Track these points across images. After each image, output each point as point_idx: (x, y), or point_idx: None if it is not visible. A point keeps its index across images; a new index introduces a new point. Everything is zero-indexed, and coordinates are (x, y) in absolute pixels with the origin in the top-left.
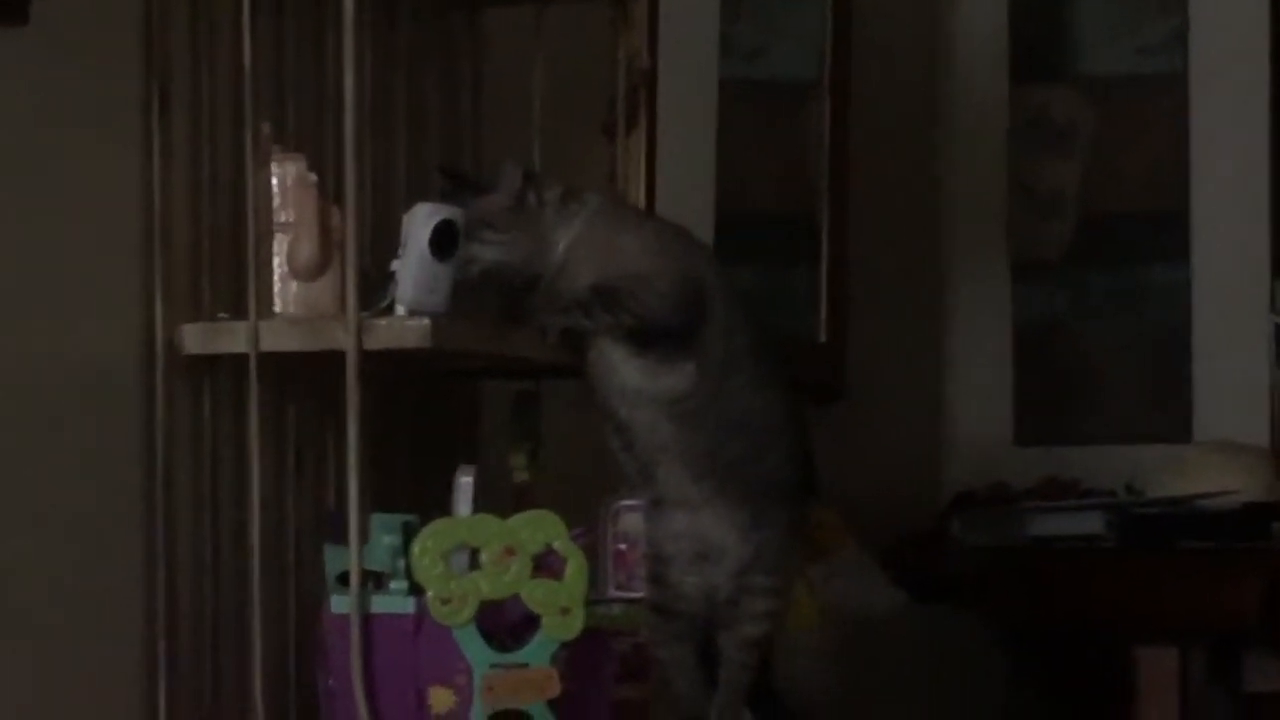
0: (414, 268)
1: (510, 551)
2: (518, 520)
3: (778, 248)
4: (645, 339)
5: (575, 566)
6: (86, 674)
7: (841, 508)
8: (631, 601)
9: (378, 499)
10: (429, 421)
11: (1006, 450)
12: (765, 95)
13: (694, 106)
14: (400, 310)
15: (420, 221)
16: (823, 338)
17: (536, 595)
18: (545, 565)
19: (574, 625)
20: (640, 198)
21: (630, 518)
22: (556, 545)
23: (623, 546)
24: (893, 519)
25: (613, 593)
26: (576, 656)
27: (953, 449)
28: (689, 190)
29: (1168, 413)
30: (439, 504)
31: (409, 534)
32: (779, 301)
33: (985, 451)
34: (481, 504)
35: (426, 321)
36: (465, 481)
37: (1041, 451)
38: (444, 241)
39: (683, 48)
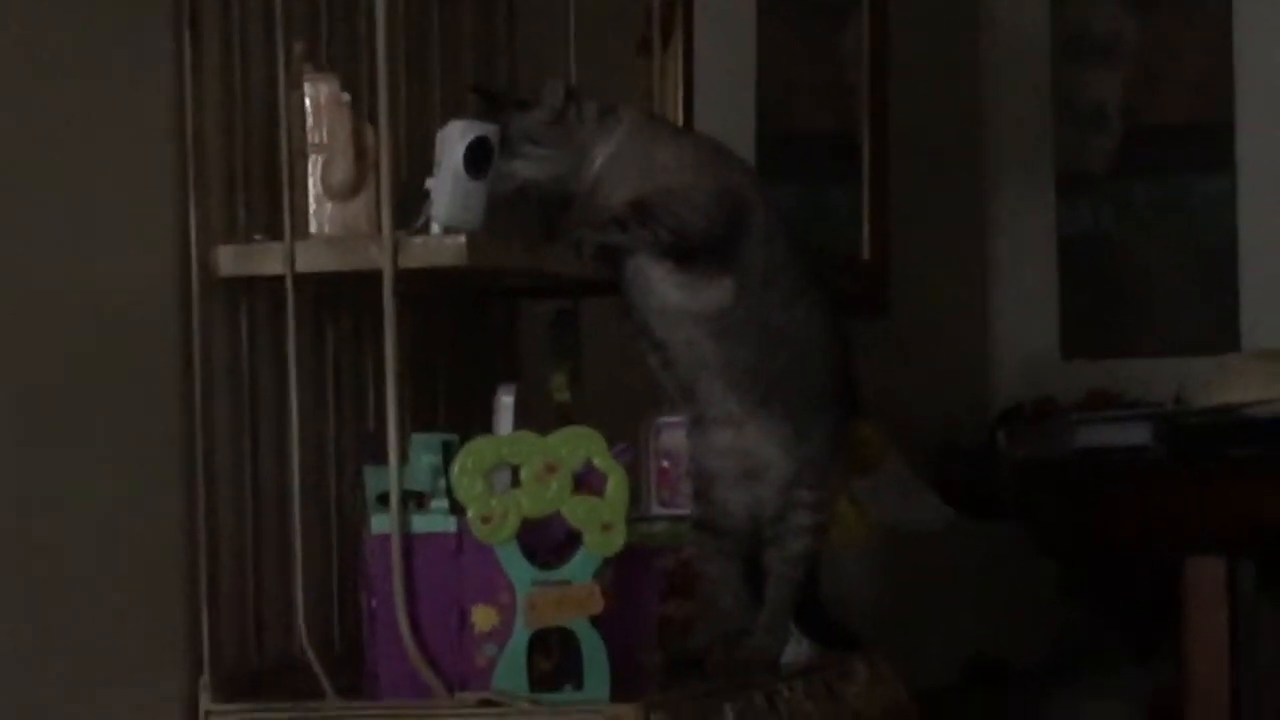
0: (448, 185)
1: (551, 469)
2: (557, 437)
3: (819, 165)
4: (683, 254)
5: (616, 482)
6: (128, 598)
7: (888, 423)
8: (675, 518)
9: (419, 420)
10: (469, 342)
11: (1054, 364)
12: (806, 12)
13: (733, 24)
14: (436, 229)
15: (454, 139)
16: (866, 254)
17: (578, 512)
18: (586, 482)
19: (616, 541)
20: (678, 115)
21: (672, 435)
22: (597, 462)
23: (665, 464)
24: (940, 433)
25: (656, 510)
26: (620, 574)
27: (999, 363)
28: (729, 108)
29: (1216, 323)
30: (481, 424)
31: (449, 454)
32: (822, 219)
33: (1032, 365)
34: (523, 423)
35: (462, 239)
36: (506, 401)
37: (1089, 364)
38: (478, 159)
39: None
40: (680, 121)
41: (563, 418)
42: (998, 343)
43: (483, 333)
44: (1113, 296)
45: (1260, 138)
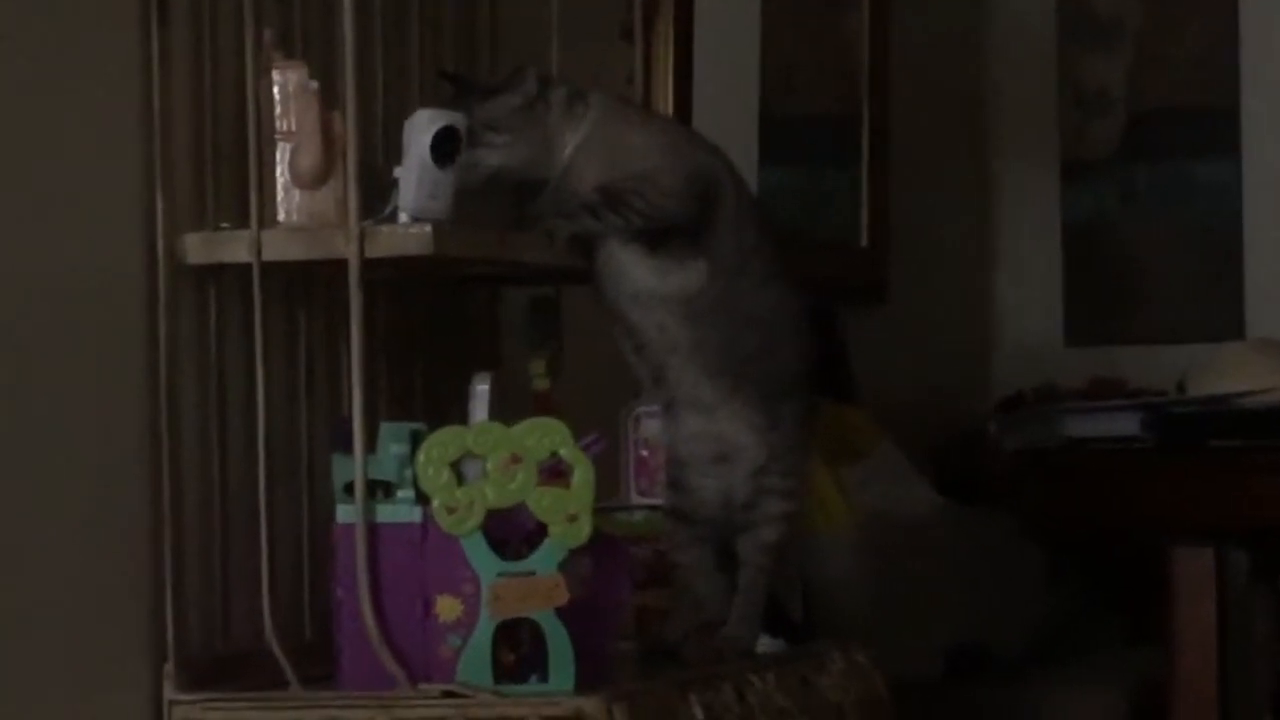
0: (415, 174)
1: (516, 460)
2: (523, 428)
3: (820, 149)
4: (655, 238)
5: (582, 474)
6: (93, 586)
7: (887, 411)
8: (654, 508)
9: (395, 408)
10: (447, 330)
11: (1057, 351)
12: None
13: (736, 7)
14: (403, 217)
15: (421, 128)
16: (864, 241)
17: (543, 503)
18: (555, 473)
19: (582, 533)
20: (667, 101)
21: (651, 423)
22: (563, 453)
23: (645, 453)
24: (941, 422)
25: (635, 499)
26: (593, 564)
27: (1002, 351)
28: (731, 92)
29: (1220, 310)
30: (458, 413)
31: (417, 443)
32: (821, 204)
33: (1035, 353)
34: (501, 412)
35: (428, 228)
36: (481, 389)
37: (1092, 352)
38: (445, 148)
39: None
40: (672, 107)
41: (541, 406)
42: (1000, 330)
43: (461, 320)
44: (1116, 283)
45: (1265, 122)
